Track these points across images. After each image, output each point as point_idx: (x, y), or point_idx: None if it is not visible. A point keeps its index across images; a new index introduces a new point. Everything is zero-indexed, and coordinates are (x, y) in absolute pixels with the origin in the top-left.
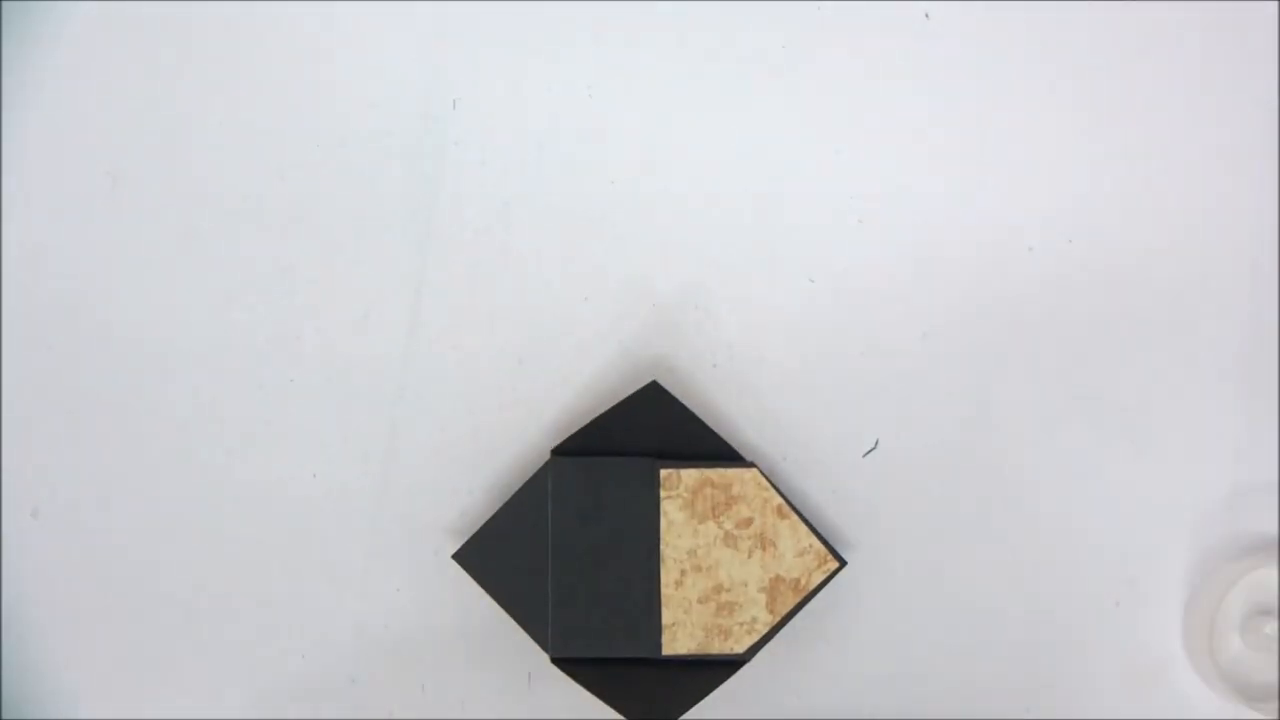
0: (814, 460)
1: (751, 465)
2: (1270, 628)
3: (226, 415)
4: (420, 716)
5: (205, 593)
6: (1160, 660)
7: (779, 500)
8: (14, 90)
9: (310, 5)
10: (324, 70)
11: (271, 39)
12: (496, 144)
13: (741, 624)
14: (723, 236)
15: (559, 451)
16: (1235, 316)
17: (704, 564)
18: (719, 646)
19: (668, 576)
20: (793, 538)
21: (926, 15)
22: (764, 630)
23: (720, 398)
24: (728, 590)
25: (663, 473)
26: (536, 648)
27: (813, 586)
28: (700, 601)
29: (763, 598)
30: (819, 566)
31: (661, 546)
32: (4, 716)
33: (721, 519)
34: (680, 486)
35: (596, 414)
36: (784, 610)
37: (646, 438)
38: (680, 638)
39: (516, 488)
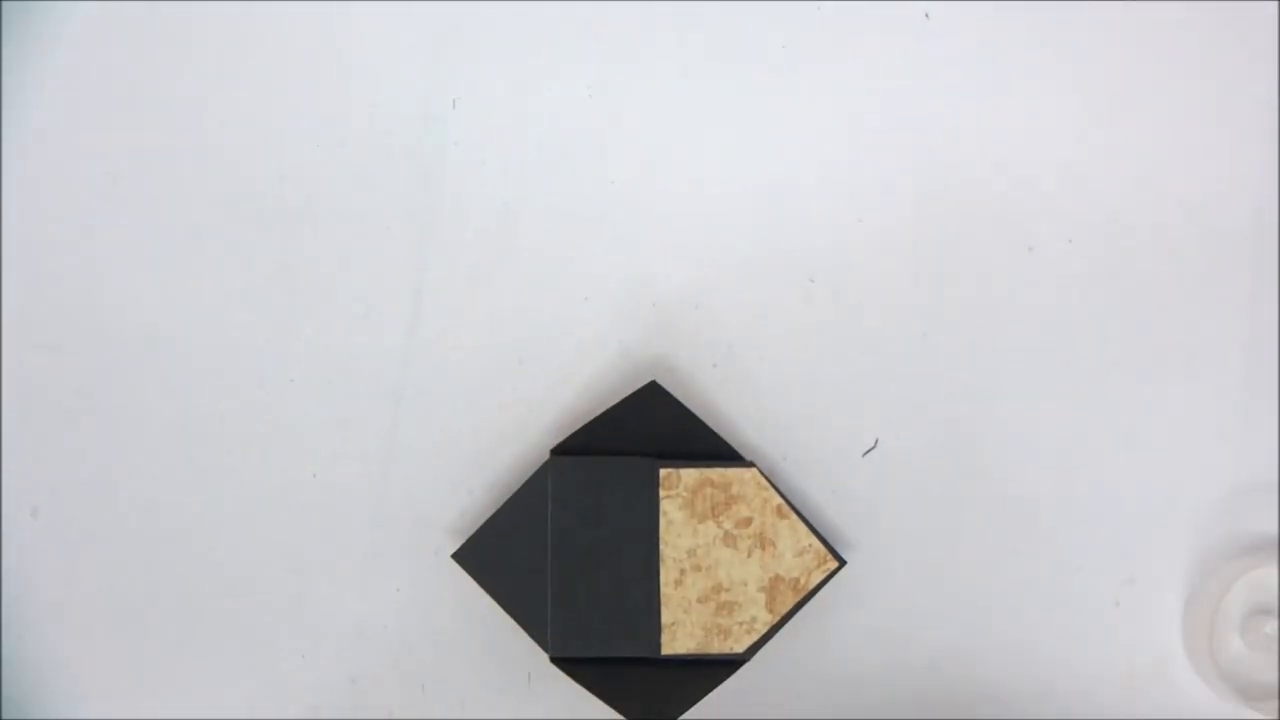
0: (814, 460)
1: (751, 465)
2: (1270, 627)
3: (226, 415)
4: (420, 716)
5: (205, 592)
6: (1160, 660)
7: (778, 500)
8: (14, 90)
9: (310, 5)
10: (324, 70)
11: (271, 39)
12: (496, 144)
13: (741, 623)
14: (723, 236)
15: (559, 451)
16: (1235, 316)
17: (703, 564)
18: (718, 646)
19: (667, 576)
20: (792, 537)
21: (926, 15)
22: (763, 630)
23: (720, 398)
24: (727, 590)
25: (662, 472)
26: (536, 647)
27: (812, 586)
28: (700, 601)
29: (762, 597)
30: (818, 566)
31: (661, 546)
32: (4, 716)
33: (721, 519)
34: (680, 486)
35: (596, 414)
36: (783, 610)
37: (646, 438)
38: (680, 637)
39: (516, 487)
